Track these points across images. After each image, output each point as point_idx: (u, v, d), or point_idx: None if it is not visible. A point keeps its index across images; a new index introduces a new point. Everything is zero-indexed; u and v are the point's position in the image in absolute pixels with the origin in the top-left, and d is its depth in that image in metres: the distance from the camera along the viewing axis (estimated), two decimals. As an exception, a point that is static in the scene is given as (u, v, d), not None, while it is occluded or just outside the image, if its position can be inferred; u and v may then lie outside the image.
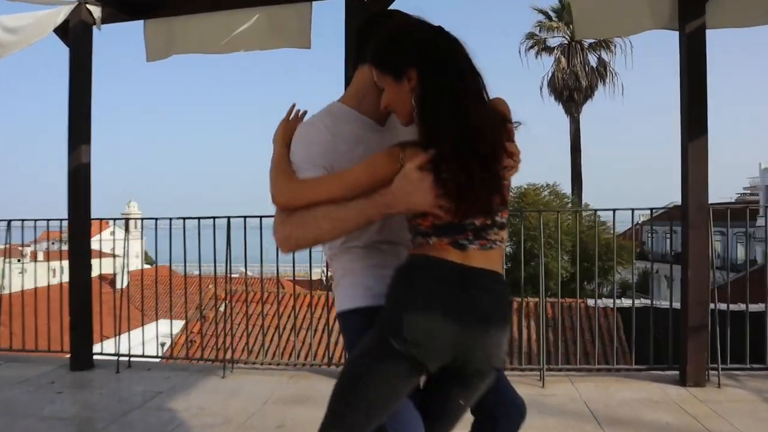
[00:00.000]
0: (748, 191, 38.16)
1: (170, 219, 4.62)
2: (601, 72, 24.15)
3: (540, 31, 24.35)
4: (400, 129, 1.58)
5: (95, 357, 4.44)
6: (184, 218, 4.54)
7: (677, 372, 3.80)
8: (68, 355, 4.41)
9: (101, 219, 5.12)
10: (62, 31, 4.34)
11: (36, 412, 3.40)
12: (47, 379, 4.04)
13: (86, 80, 4.40)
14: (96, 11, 4.34)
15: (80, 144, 4.32)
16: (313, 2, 4.10)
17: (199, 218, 4.54)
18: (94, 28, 4.36)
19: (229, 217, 4.37)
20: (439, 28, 1.50)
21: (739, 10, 3.67)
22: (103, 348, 4.59)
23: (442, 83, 1.42)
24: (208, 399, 3.61)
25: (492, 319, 1.42)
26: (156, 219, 4.78)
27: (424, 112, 1.42)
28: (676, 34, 3.76)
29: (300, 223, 1.48)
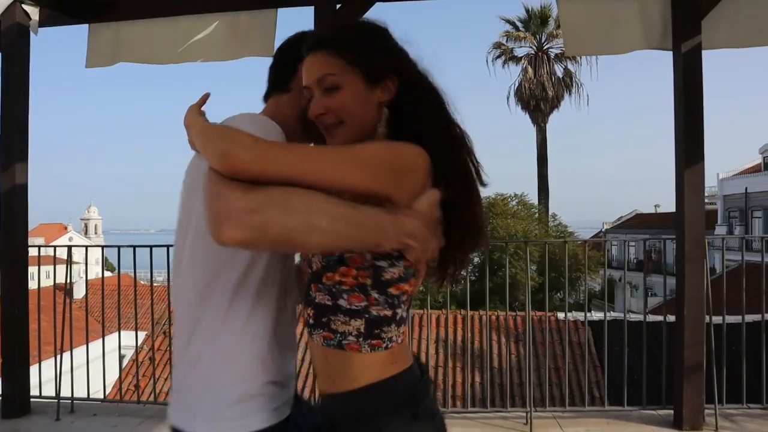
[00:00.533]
0: (707, 200, 39.20)
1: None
2: (567, 82, 24.34)
3: (507, 41, 24.43)
4: None
5: (32, 400, 3.95)
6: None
7: (671, 411, 3.55)
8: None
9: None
10: (-7, 36, 3.88)
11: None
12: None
13: (22, 90, 3.91)
14: (33, 12, 3.89)
15: (14, 162, 3.84)
16: (279, 9, 3.75)
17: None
18: (31, 32, 3.90)
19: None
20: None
21: (734, 31, 3.45)
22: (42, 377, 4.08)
23: (431, 105, 1.14)
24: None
25: None
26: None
27: (414, 137, 1.08)
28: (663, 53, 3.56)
29: (280, 201, 0.92)
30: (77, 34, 4.16)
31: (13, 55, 3.87)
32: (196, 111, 1.21)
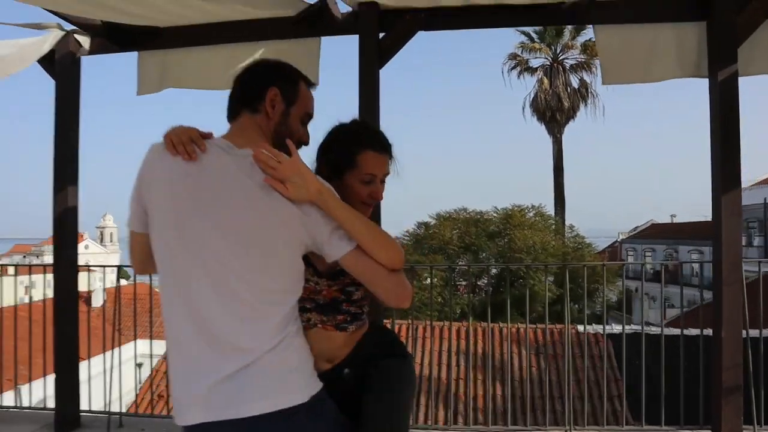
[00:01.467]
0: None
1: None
2: (583, 93, 24.37)
3: (522, 52, 24.51)
4: None
5: (82, 414, 4.09)
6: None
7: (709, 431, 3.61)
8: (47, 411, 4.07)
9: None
10: (47, 61, 4.04)
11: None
12: (29, 445, 3.69)
13: (74, 115, 4.08)
14: (85, 42, 4.05)
15: (67, 186, 3.99)
16: (323, 37, 3.88)
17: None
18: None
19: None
20: None
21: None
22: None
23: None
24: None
25: None
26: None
27: None
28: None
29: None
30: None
31: (66, 82, 4.04)
32: (307, 168, 1.40)
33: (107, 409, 4.01)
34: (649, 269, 36.28)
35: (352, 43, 3.77)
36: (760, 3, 3.45)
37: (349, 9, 3.67)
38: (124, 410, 4.09)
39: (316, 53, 3.88)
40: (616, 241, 38.14)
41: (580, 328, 9.79)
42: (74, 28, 3.93)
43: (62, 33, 3.97)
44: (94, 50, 4.09)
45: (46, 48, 3.94)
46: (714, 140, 3.54)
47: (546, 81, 23.88)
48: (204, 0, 3.41)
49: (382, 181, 1.77)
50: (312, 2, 3.53)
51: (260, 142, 1.53)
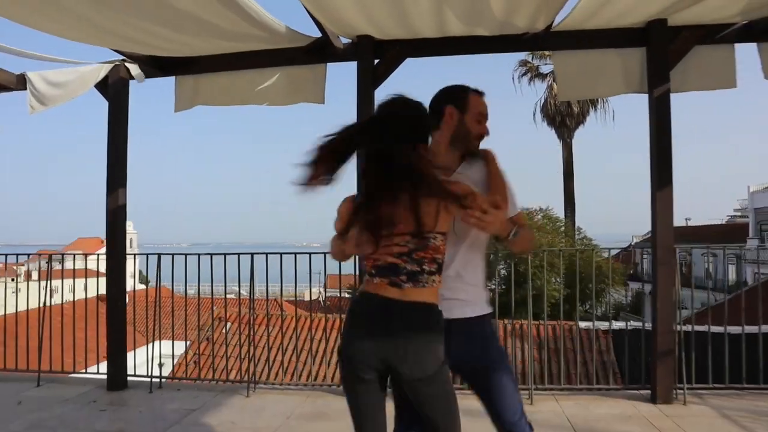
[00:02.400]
0: (738, 213, 38.90)
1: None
2: (593, 98, 24.89)
3: (532, 59, 25.11)
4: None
5: (129, 378, 4.91)
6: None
7: (649, 391, 4.31)
8: (100, 375, 4.91)
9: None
10: (102, 86, 4.89)
11: (88, 427, 3.88)
12: (88, 399, 4.51)
13: (123, 131, 4.91)
14: (134, 69, 4.89)
15: (118, 188, 4.83)
16: (328, 64, 4.67)
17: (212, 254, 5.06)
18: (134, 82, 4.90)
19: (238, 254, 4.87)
20: None
21: (697, 78, 4.24)
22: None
23: None
24: (237, 416, 4.09)
25: (401, 337, 1.86)
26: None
27: None
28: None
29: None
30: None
31: (118, 103, 4.88)
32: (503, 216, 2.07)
33: (149, 374, 4.82)
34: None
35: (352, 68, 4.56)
36: (689, 34, 4.17)
37: (349, 40, 4.46)
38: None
39: (323, 76, 4.67)
40: (630, 245, 38.32)
41: (582, 324, 10.42)
42: (123, 58, 4.76)
43: (115, 62, 4.81)
44: (141, 77, 4.93)
45: (102, 74, 4.79)
46: (651, 145, 4.26)
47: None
48: (230, 41, 4.21)
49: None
50: (318, 36, 4.31)
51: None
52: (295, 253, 5.12)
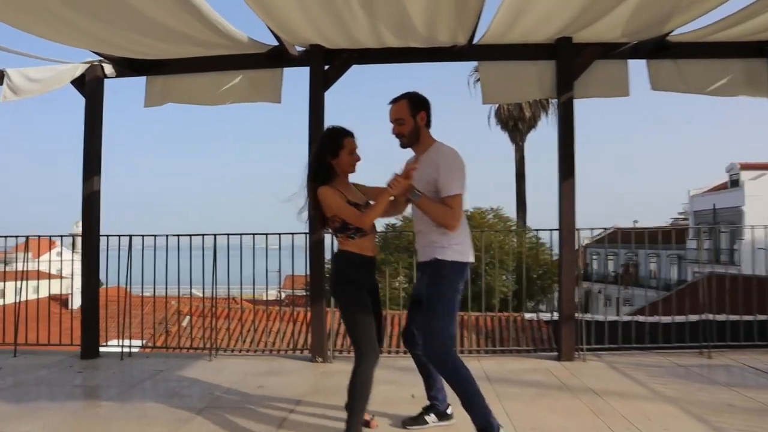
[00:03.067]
0: (681, 216, 40.91)
1: (154, 236, 5.57)
2: (544, 104, 26.08)
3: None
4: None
5: (101, 349, 5.43)
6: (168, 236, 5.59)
7: (557, 353, 5.08)
8: (73, 348, 5.41)
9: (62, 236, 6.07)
10: (79, 83, 5.40)
11: (68, 383, 4.42)
12: (65, 365, 5.02)
13: (98, 124, 5.44)
14: (108, 68, 5.43)
15: (93, 175, 5.36)
16: (284, 68, 5.30)
17: (183, 236, 5.60)
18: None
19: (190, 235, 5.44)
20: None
21: (597, 87, 5.05)
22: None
23: None
24: (201, 374, 4.68)
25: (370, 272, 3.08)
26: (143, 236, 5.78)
27: None
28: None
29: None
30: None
31: (93, 99, 5.41)
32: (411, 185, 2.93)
33: (120, 344, 5.35)
34: (611, 272, 38.27)
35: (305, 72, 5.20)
36: (591, 50, 4.97)
37: (303, 48, 5.10)
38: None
39: (280, 79, 5.31)
40: (580, 246, 39.88)
41: (527, 316, 11.28)
42: (100, 58, 5.30)
43: (91, 61, 5.34)
44: (113, 75, 5.46)
45: (78, 72, 5.31)
46: (559, 143, 5.04)
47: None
48: (197, 46, 4.81)
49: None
50: (275, 45, 4.94)
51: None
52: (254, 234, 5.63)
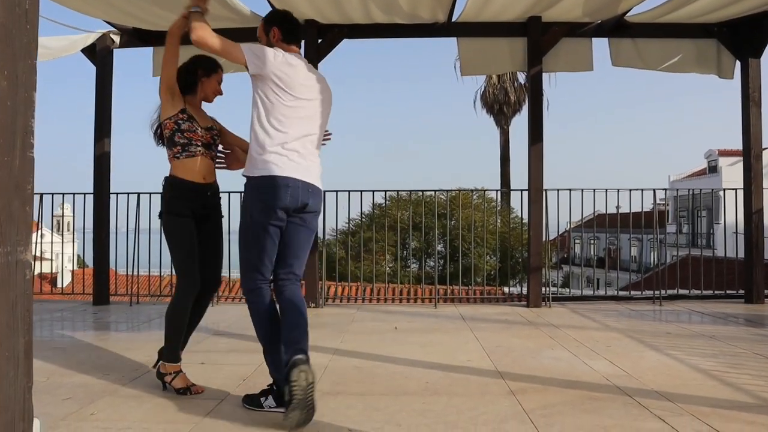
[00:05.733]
0: (660, 201, 41.85)
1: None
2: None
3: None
4: None
5: (111, 298, 5.94)
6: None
7: (526, 301, 5.67)
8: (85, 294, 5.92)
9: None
10: (90, 53, 5.85)
11: (86, 320, 4.94)
12: (80, 309, 5.53)
13: (108, 90, 5.91)
14: (116, 38, 5.88)
15: (104, 137, 5.83)
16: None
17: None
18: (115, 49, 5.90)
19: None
20: None
21: (564, 62, 5.61)
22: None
23: None
24: (207, 316, 5.18)
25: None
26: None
27: None
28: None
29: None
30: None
31: (103, 67, 5.86)
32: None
33: (128, 293, 5.87)
34: (593, 256, 38.97)
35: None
36: (558, 28, 5.52)
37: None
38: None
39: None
40: (565, 230, 40.71)
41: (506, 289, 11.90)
42: (111, 29, 5.75)
43: (102, 31, 5.79)
44: (123, 45, 5.92)
45: (89, 41, 5.76)
46: (529, 114, 5.60)
47: (494, 76, 26.08)
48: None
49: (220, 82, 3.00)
50: (273, 18, 5.42)
51: None
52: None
